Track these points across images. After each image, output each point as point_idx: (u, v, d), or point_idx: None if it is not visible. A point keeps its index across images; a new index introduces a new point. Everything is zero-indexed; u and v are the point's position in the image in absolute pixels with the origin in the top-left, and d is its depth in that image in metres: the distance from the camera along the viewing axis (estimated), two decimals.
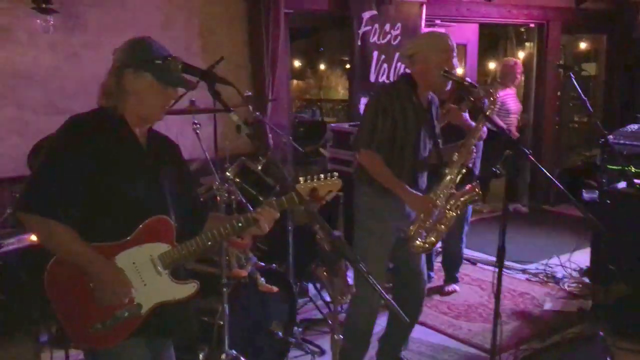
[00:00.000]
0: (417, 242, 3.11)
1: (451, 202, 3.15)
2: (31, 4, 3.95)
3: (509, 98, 6.35)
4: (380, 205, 3.13)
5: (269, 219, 2.16)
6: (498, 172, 3.74)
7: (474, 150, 3.20)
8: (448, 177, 3.12)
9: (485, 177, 4.42)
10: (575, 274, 5.04)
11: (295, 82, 12.00)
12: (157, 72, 2.02)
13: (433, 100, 3.27)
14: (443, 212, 3.13)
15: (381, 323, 3.48)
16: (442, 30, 6.49)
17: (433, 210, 3.07)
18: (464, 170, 3.16)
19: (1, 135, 4.11)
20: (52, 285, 2.03)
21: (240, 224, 2.14)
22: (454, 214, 3.16)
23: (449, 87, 3.17)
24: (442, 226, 3.14)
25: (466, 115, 4.01)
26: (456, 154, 3.14)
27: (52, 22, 4.11)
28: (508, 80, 6.26)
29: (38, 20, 4.07)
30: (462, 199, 3.17)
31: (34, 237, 2.92)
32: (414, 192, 3.06)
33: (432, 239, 3.14)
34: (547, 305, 4.46)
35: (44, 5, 3.97)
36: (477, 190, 3.20)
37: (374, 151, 3.06)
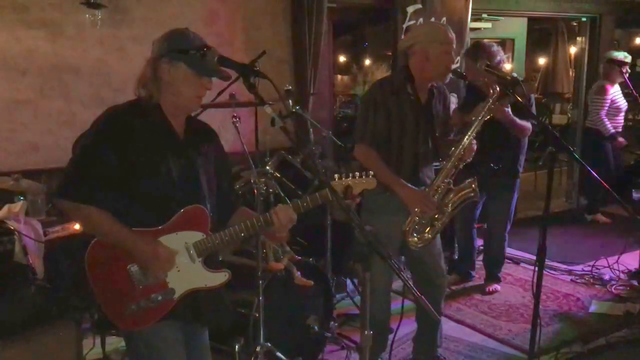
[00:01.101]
0: (413, 237, 3.07)
1: (449, 197, 3.09)
2: None
3: (619, 96, 5.99)
4: (381, 202, 3.06)
5: (285, 219, 2.15)
6: (496, 168, 3.67)
7: (474, 144, 3.10)
8: (444, 172, 3.06)
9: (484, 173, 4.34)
10: (623, 276, 4.87)
11: (339, 77, 11.96)
12: (192, 62, 2.05)
13: (439, 91, 3.18)
14: (440, 208, 3.08)
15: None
16: (489, 24, 6.37)
17: (429, 205, 3.02)
18: (461, 165, 3.08)
19: (51, 127, 4.24)
20: (92, 266, 2.11)
21: (259, 223, 2.16)
22: (451, 210, 3.11)
23: (447, 79, 3.10)
24: (439, 223, 3.09)
25: (509, 110, 3.92)
26: (453, 147, 3.07)
27: (100, 17, 4.21)
28: (617, 76, 5.88)
29: (86, 15, 4.18)
30: (459, 194, 3.11)
31: (77, 226, 3.01)
32: (409, 186, 3.01)
33: (429, 235, 3.08)
34: (593, 308, 4.32)
35: (92, 0, 4.07)
36: (473, 186, 3.13)
37: (367, 145, 3.02)
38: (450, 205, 3.10)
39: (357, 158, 3.08)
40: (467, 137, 3.07)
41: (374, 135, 3.01)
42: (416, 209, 3.02)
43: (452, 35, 3.02)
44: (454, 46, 3.02)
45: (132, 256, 2.08)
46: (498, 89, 3.11)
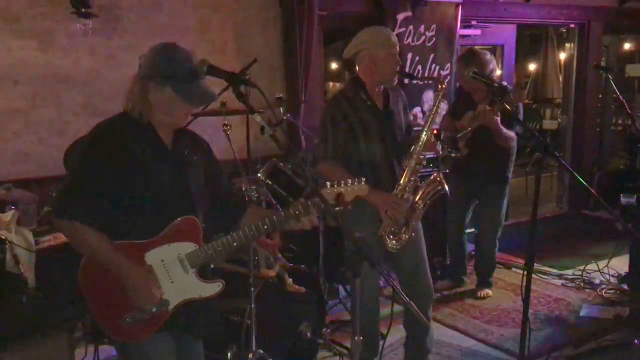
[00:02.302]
0: (390, 241, 3.11)
1: (419, 195, 3.14)
2: (71, 9, 4.06)
3: None
4: (357, 211, 3.00)
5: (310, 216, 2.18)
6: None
7: (433, 137, 3.14)
8: (410, 171, 3.11)
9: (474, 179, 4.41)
10: (613, 280, 4.92)
11: (331, 84, 12.00)
12: (178, 88, 2.06)
13: (394, 92, 3.25)
14: (412, 207, 3.12)
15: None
16: (478, 31, 6.41)
17: (397, 207, 3.04)
18: (424, 161, 3.15)
19: (42, 136, 4.24)
20: (86, 280, 2.12)
21: (265, 226, 2.18)
22: (423, 207, 3.16)
23: (396, 81, 3.16)
24: (413, 221, 3.13)
25: (497, 118, 3.96)
26: (414, 146, 3.12)
27: (91, 26, 4.22)
28: None
29: (78, 24, 4.18)
30: (428, 190, 3.17)
31: None
32: (377, 191, 3.03)
33: (405, 235, 3.12)
34: (583, 312, 4.36)
35: (83, 10, 4.07)
36: (439, 179, 3.19)
37: (329, 161, 3.07)
38: (421, 202, 3.15)
39: (321, 175, 3.14)
40: (424, 133, 3.12)
41: (336, 152, 3.07)
42: (387, 212, 3.06)
43: (395, 38, 3.13)
44: (398, 48, 3.12)
45: (121, 281, 2.08)
46: (445, 83, 3.23)
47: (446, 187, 3.24)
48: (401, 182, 3.11)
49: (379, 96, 3.18)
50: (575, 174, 2.56)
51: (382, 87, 3.20)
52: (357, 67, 3.13)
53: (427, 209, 3.24)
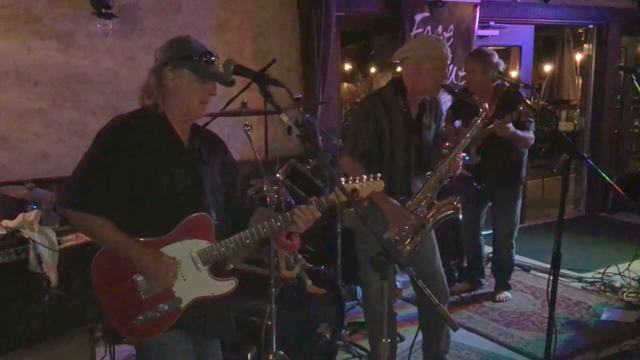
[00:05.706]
0: None
1: (431, 212, 3.08)
2: (91, 9, 4.08)
3: None
4: (370, 212, 3.01)
5: (308, 218, 2.15)
6: (479, 187, 3.70)
7: (460, 160, 3.09)
8: (428, 186, 3.06)
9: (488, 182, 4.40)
10: (634, 283, 4.84)
11: (345, 85, 11.99)
12: (195, 68, 2.07)
13: (432, 104, 3.20)
14: (421, 222, 3.06)
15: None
16: (496, 32, 6.38)
17: (408, 222, 3.00)
18: (446, 181, 3.08)
19: (62, 137, 4.26)
20: (97, 278, 2.11)
21: (279, 224, 2.15)
22: (432, 225, 3.09)
23: (440, 94, 3.12)
24: (418, 236, 3.06)
25: (511, 126, 3.93)
26: (440, 162, 3.07)
27: (111, 27, 4.24)
28: None
29: (98, 25, 4.21)
30: (441, 211, 3.10)
31: None
32: (391, 201, 3.00)
33: (408, 247, 3.06)
34: (604, 316, 4.31)
35: (103, 11, 4.10)
36: (455, 203, 3.11)
37: (354, 158, 3.03)
38: (431, 220, 3.09)
39: (342, 168, 3.09)
40: (453, 153, 3.07)
41: (361, 149, 3.03)
42: (395, 224, 3.01)
43: (448, 51, 3.04)
44: (448, 62, 3.05)
45: (134, 265, 2.07)
46: (487, 107, 3.15)
47: (461, 213, 3.16)
48: (416, 197, 3.07)
49: (415, 104, 3.13)
50: (606, 177, 2.54)
51: (422, 97, 3.13)
52: (402, 71, 3.10)
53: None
